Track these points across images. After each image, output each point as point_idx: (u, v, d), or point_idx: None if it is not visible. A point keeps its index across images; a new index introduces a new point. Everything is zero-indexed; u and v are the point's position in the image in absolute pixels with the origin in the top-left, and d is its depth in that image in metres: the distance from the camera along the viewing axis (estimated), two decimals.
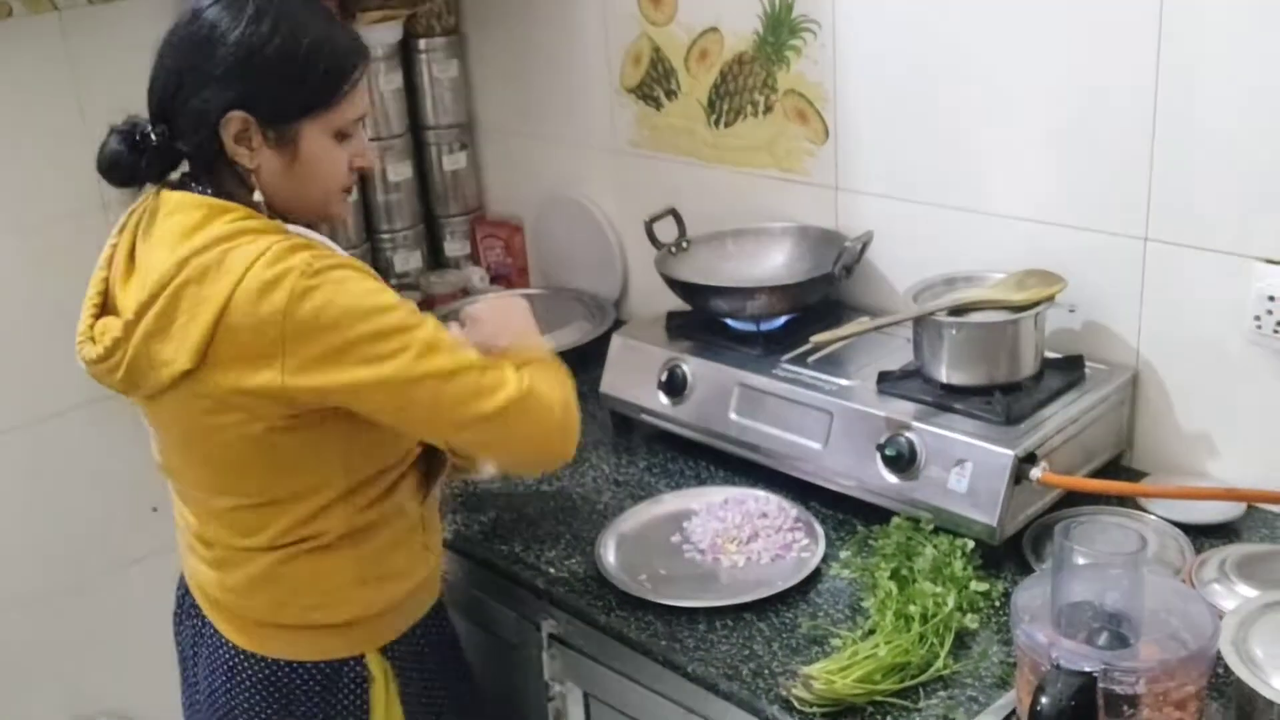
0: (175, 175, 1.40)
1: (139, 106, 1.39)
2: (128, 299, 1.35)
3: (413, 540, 1.49)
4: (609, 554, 1.60)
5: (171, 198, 1.35)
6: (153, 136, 1.35)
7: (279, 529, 1.39)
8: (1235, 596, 1.34)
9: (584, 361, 2.11)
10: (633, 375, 1.87)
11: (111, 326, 1.33)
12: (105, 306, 1.39)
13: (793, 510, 1.64)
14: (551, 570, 1.60)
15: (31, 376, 2.16)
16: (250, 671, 1.45)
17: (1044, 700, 1.11)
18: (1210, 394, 1.62)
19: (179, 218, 1.33)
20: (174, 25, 1.35)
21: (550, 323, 2.22)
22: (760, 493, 1.68)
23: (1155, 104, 1.55)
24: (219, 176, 1.36)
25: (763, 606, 1.47)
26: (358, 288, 1.29)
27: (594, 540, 1.62)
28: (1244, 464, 1.61)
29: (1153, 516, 1.56)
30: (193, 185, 1.37)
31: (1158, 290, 1.62)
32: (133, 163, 1.35)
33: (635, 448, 1.89)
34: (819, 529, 1.59)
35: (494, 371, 1.35)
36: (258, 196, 1.35)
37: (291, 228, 1.36)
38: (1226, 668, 1.13)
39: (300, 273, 1.26)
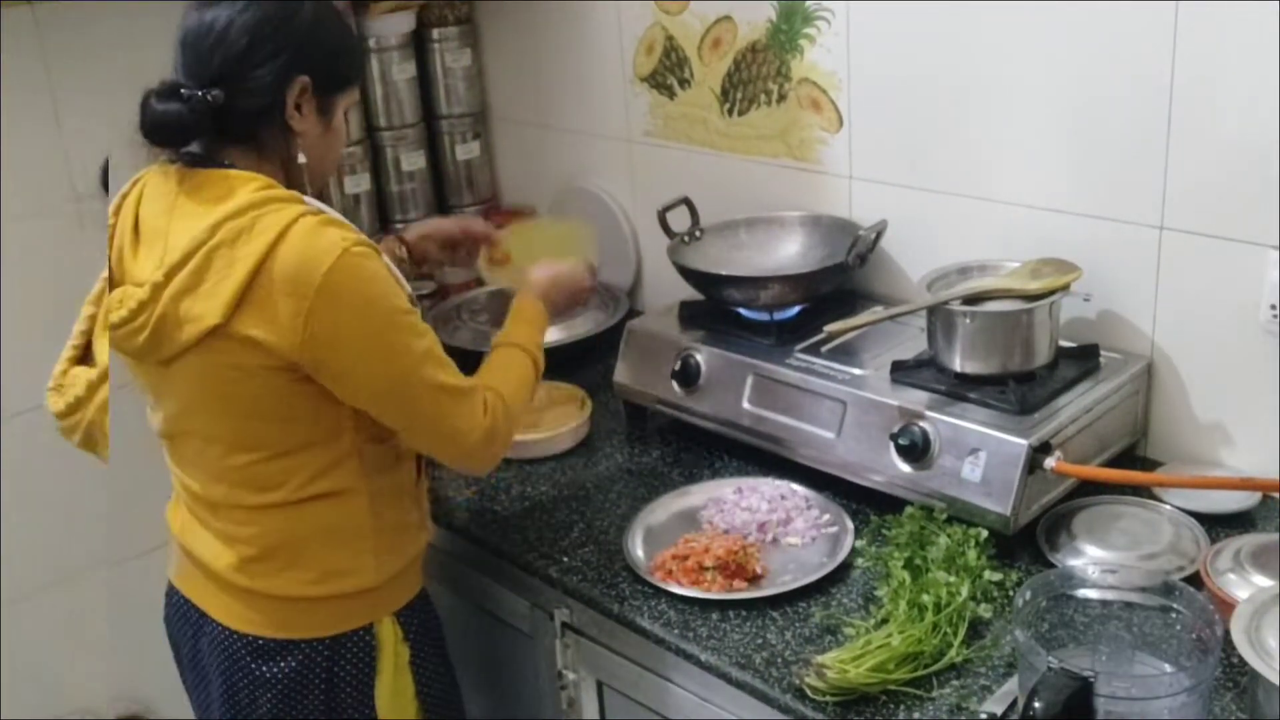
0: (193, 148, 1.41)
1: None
2: (143, 267, 1.39)
3: (411, 514, 1.54)
4: (637, 547, 1.59)
5: (190, 174, 1.39)
6: (209, 98, 1.36)
7: (296, 483, 1.42)
8: (1249, 586, 1.34)
9: (597, 351, 2.11)
10: (646, 365, 1.88)
11: (135, 292, 1.37)
12: (115, 280, 1.44)
13: (816, 499, 1.64)
14: (565, 559, 1.60)
15: (19, 370, 2.10)
16: (259, 663, 1.45)
17: (1037, 704, 1.10)
18: (1225, 383, 1.61)
19: (205, 191, 1.37)
20: None
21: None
22: (798, 487, 1.67)
23: (1171, 91, 1.54)
24: (259, 141, 1.41)
25: (776, 596, 1.48)
26: (387, 287, 1.37)
27: (607, 529, 1.63)
28: (1259, 453, 1.60)
29: (1168, 506, 1.56)
30: (209, 160, 1.39)
31: (1173, 279, 1.62)
32: (191, 123, 1.37)
33: (648, 437, 1.89)
34: (849, 522, 1.59)
35: (475, 397, 1.44)
36: (302, 159, 1.44)
37: (309, 200, 1.40)
38: (1240, 658, 1.13)
39: (347, 249, 1.33)
